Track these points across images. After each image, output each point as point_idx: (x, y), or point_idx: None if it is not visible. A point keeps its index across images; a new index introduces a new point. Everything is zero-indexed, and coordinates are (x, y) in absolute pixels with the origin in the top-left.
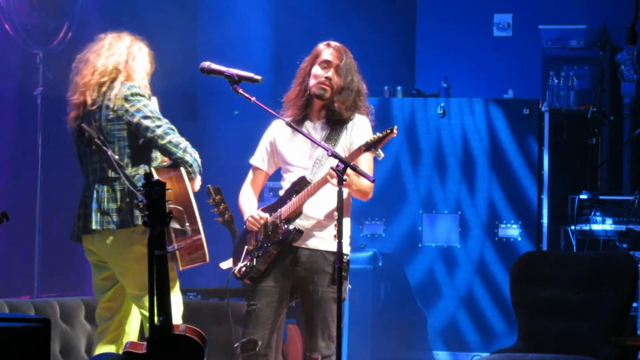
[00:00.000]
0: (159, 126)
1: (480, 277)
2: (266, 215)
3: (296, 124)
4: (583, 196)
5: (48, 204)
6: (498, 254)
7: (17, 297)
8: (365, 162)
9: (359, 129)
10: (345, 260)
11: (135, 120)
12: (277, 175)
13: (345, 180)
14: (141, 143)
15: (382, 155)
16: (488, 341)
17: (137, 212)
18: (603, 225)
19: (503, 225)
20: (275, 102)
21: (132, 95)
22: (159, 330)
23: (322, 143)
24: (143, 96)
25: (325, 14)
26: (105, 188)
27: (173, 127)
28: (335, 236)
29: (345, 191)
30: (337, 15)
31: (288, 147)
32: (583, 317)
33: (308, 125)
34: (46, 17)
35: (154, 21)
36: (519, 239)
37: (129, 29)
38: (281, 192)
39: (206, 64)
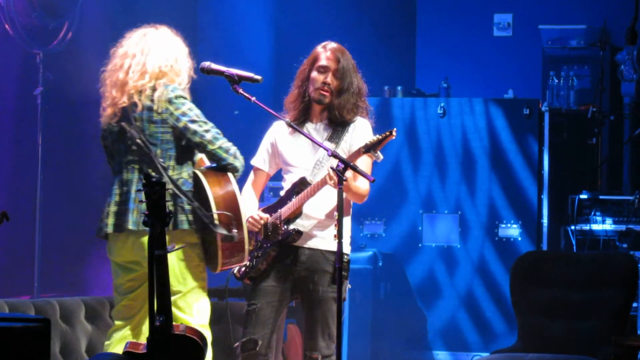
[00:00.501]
0: (207, 130)
1: (480, 277)
2: (266, 215)
3: (298, 126)
4: (583, 196)
5: (48, 204)
6: (498, 253)
7: (17, 297)
8: (364, 165)
9: (359, 132)
10: (345, 260)
11: (181, 124)
12: (278, 175)
13: (345, 180)
14: (184, 145)
15: (382, 157)
16: (488, 341)
17: (181, 217)
18: (603, 225)
19: (503, 225)
20: (275, 102)
21: (176, 97)
22: (159, 330)
23: (323, 143)
24: (186, 99)
25: (326, 14)
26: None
27: (219, 130)
28: (335, 236)
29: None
30: (337, 15)
31: (289, 148)
32: (583, 317)
33: (310, 127)
34: (46, 17)
35: (154, 21)
36: (519, 238)
37: (129, 29)
38: (282, 193)
39: (206, 63)
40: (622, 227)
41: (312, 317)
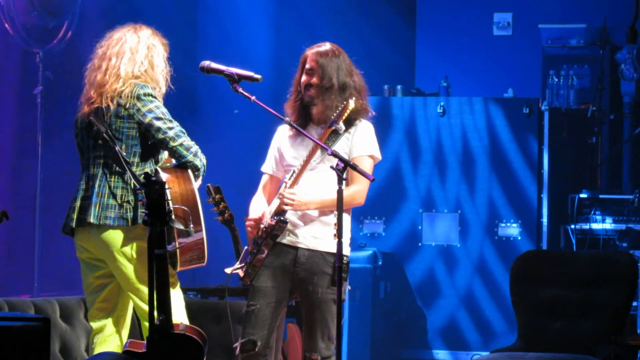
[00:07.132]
0: (170, 128)
1: (480, 276)
2: (257, 215)
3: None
4: (583, 195)
5: (48, 203)
6: (498, 253)
7: (17, 296)
8: (365, 165)
9: (360, 135)
10: (345, 261)
11: (146, 120)
12: None
13: (345, 179)
14: (149, 143)
15: (343, 128)
16: (488, 340)
17: (142, 212)
18: (603, 224)
19: (503, 224)
20: (275, 101)
21: (145, 95)
22: (158, 330)
23: (321, 142)
24: (155, 97)
25: (325, 14)
26: (108, 183)
27: (183, 130)
28: (335, 235)
29: (345, 189)
30: (337, 14)
31: (290, 149)
32: (583, 316)
33: (310, 129)
34: (46, 16)
35: (154, 21)
36: (519, 238)
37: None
38: None
39: (206, 63)
40: (622, 226)
41: (311, 319)
